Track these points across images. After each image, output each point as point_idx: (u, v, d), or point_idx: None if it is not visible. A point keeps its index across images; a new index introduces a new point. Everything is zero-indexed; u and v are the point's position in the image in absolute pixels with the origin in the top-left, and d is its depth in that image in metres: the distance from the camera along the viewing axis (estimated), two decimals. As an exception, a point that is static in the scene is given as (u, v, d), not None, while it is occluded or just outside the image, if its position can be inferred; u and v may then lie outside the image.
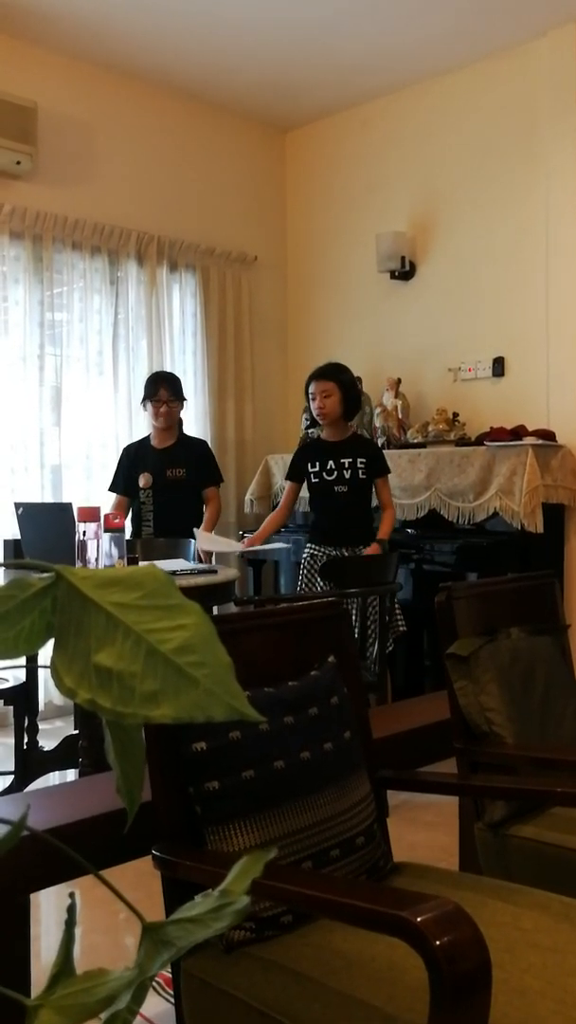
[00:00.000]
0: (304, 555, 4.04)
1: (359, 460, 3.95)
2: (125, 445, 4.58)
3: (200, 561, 3.82)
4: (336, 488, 3.95)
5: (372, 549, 3.84)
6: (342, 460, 3.95)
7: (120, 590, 0.57)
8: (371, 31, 4.55)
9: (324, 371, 4.00)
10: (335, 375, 3.98)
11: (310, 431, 5.17)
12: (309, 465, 4.01)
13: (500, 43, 4.65)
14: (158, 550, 3.93)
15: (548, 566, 4.13)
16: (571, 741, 2.03)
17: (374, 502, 4.05)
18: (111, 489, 4.43)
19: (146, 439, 4.46)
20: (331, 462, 3.96)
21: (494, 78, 4.79)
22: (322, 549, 3.97)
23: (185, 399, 4.42)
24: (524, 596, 2.19)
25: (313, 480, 4.01)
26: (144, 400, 4.35)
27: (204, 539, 3.89)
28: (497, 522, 4.20)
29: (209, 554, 4.04)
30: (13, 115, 4.40)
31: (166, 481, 4.30)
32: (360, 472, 3.94)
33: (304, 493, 4.17)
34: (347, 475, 3.94)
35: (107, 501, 4.39)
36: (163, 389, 4.26)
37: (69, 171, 4.82)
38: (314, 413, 4.00)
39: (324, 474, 3.97)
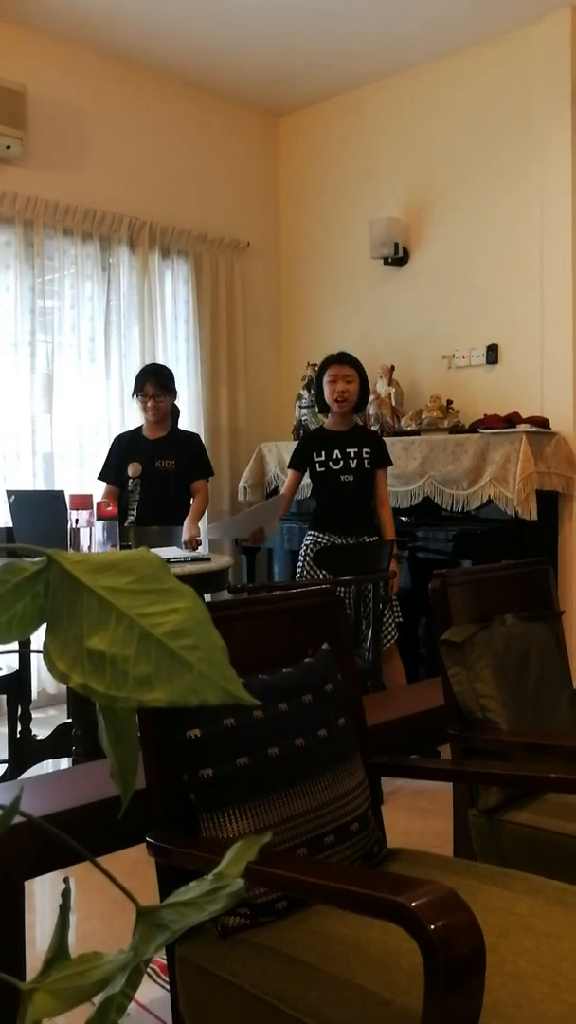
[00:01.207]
0: (306, 542, 4.03)
1: (364, 450, 3.95)
2: (117, 434, 4.56)
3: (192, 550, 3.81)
4: (343, 478, 3.95)
5: (392, 565, 3.75)
6: (348, 450, 3.95)
7: (112, 574, 0.57)
8: (365, 16, 4.51)
9: (346, 356, 4.01)
10: (355, 362, 3.99)
11: (305, 419, 5.16)
12: (315, 454, 4.01)
13: (495, 28, 4.62)
14: (151, 538, 3.91)
15: (542, 553, 4.14)
16: (565, 727, 2.03)
17: None
18: (100, 477, 4.41)
19: (138, 429, 4.44)
20: (337, 451, 3.96)
21: (489, 63, 4.76)
22: (325, 537, 3.97)
23: (175, 392, 4.37)
24: (518, 583, 2.19)
25: (319, 469, 4.00)
26: (133, 394, 4.34)
27: (214, 529, 3.85)
28: (491, 509, 4.21)
29: (197, 543, 4.03)
30: (3, 99, 4.37)
31: (155, 471, 4.28)
32: (366, 462, 3.95)
33: (305, 480, 4.17)
34: (353, 465, 3.94)
35: (98, 489, 4.37)
36: (149, 384, 4.22)
37: (60, 156, 4.78)
38: (331, 398, 3.95)
39: (331, 463, 3.97)
